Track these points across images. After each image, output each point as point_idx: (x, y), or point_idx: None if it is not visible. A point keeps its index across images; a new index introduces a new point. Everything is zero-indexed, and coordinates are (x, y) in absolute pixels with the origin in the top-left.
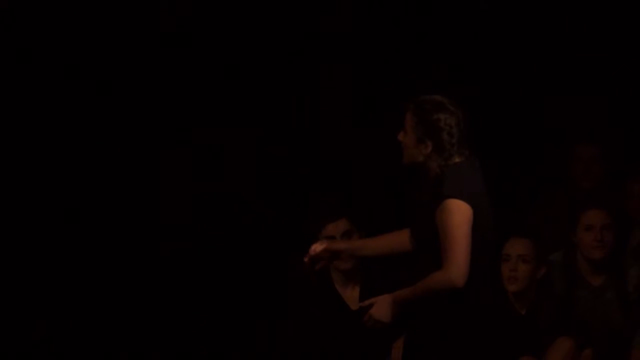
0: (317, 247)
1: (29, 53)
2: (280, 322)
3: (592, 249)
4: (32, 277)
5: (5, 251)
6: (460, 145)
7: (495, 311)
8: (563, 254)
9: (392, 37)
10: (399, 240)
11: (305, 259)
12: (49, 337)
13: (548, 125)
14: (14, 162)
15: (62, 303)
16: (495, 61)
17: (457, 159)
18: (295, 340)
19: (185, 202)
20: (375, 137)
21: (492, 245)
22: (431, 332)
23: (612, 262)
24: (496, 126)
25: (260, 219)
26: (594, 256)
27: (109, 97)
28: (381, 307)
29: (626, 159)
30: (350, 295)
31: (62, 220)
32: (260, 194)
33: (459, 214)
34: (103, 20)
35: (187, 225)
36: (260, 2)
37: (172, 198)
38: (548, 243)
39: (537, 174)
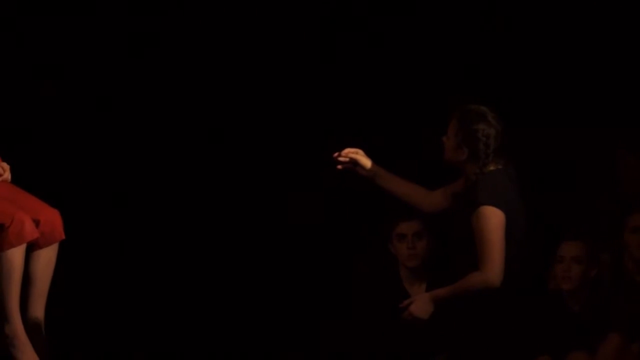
0: (350, 151)
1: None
2: (347, 318)
3: (638, 250)
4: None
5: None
6: (496, 156)
7: (538, 305)
8: (611, 255)
9: None
10: (416, 193)
11: (335, 154)
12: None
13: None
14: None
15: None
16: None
17: (491, 167)
18: (362, 336)
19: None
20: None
21: (527, 246)
22: (476, 327)
23: None
24: (548, 133)
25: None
26: None
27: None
28: (419, 305)
29: None
30: (417, 292)
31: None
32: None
33: (492, 219)
34: None
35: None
36: None
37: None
38: (599, 245)
39: (588, 181)
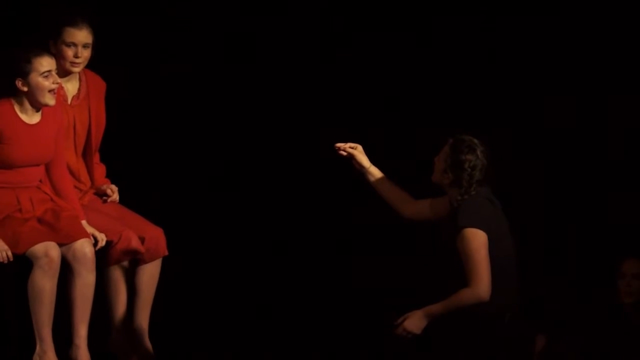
0: (350, 145)
1: None
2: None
3: None
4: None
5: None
6: (478, 185)
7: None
8: None
9: None
10: (399, 198)
11: (336, 145)
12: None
13: None
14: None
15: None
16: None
17: (472, 192)
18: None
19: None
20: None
21: (513, 258)
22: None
23: None
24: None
25: None
26: None
27: None
28: (413, 320)
29: None
30: None
31: None
32: None
33: (474, 240)
34: None
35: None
36: None
37: None
38: None
39: None
